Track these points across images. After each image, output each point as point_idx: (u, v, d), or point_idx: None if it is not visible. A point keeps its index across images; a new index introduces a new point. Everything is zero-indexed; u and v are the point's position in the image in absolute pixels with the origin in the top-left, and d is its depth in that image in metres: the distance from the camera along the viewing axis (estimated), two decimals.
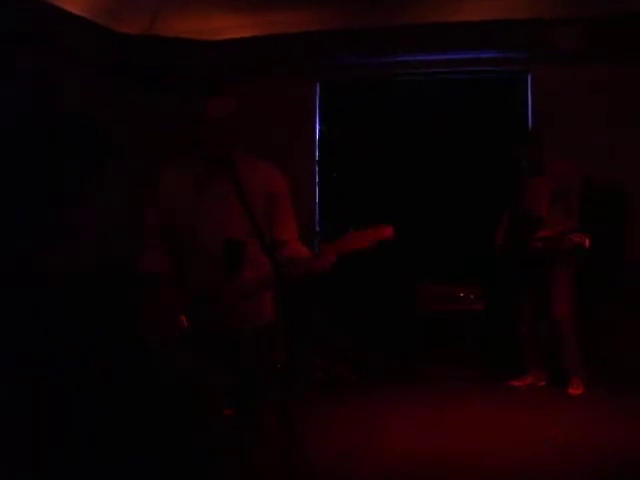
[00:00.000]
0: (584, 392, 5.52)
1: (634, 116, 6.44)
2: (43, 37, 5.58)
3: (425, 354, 6.30)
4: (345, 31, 6.38)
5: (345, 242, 2.85)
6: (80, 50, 5.98)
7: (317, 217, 7.47)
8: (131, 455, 3.85)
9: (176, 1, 5.83)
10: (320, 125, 7.48)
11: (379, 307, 6.79)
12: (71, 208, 5.93)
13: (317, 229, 7.43)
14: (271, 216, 3.04)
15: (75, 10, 5.48)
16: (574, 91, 6.61)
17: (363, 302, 6.83)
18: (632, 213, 6.42)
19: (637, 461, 4.15)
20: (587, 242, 5.23)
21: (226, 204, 2.97)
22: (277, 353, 3.09)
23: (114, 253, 5.32)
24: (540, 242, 5.50)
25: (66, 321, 4.77)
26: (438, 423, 5.03)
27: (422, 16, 6.24)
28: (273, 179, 3.13)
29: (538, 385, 5.79)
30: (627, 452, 4.29)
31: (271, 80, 7.20)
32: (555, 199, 5.58)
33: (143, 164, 3.50)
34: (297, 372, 5.43)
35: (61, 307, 4.82)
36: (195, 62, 6.84)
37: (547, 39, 6.27)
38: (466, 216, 6.83)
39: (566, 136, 6.44)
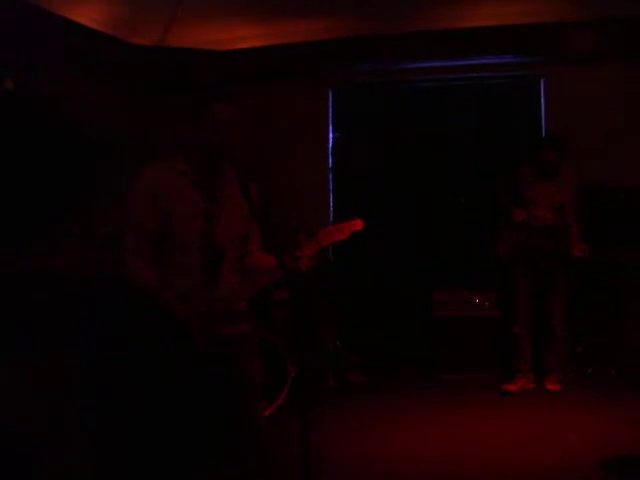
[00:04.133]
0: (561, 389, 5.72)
1: None
2: (57, 50, 5.65)
3: (439, 359, 6.30)
4: (357, 38, 6.41)
5: (324, 236, 3.21)
6: (94, 62, 6.04)
7: (331, 224, 7.46)
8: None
9: (189, 12, 5.88)
10: (333, 132, 7.51)
11: (394, 312, 6.80)
12: (83, 213, 5.96)
13: None
14: (249, 229, 3.20)
15: (88, 22, 5.53)
16: (589, 94, 6.60)
17: (378, 307, 6.85)
18: None
19: None
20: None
21: (216, 209, 3.08)
22: (253, 363, 3.21)
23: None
24: (582, 253, 5.58)
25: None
26: (451, 429, 5.04)
27: (434, 22, 6.25)
28: (250, 192, 3.17)
29: (527, 388, 5.84)
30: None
31: (284, 88, 7.25)
32: (563, 204, 5.73)
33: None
34: (310, 379, 5.47)
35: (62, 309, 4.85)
36: (208, 72, 6.90)
37: (561, 42, 6.27)
38: (481, 222, 6.83)
39: (581, 139, 6.44)
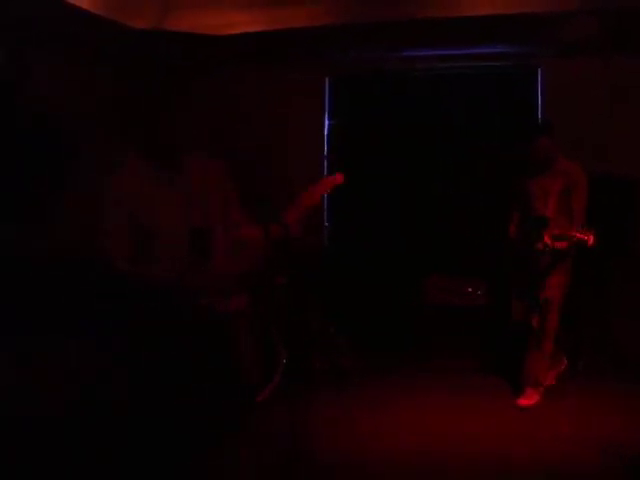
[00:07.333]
0: (537, 402, 5.20)
1: None
2: (51, 33, 5.61)
3: (430, 347, 6.30)
4: (354, 25, 6.36)
5: (306, 197, 3.37)
6: (88, 45, 6.01)
7: (325, 212, 7.47)
8: None
9: None
10: (329, 120, 7.49)
11: (385, 299, 6.79)
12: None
13: (326, 224, 7.44)
14: (226, 205, 3.41)
15: (83, 4, 5.48)
16: (585, 84, 6.59)
17: (368, 294, 6.83)
18: None
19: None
20: (591, 239, 4.66)
21: (187, 197, 3.32)
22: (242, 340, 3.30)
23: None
24: (543, 245, 4.97)
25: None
26: (439, 416, 5.05)
27: (431, 10, 6.21)
28: (225, 176, 3.47)
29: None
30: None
31: (280, 75, 7.23)
32: (561, 198, 5.23)
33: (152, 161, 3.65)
34: (298, 365, 5.45)
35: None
36: (205, 57, 6.87)
37: (560, 32, 6.24)
38: (475, 210, 6.84)
39: (577, 129, 6.43)
